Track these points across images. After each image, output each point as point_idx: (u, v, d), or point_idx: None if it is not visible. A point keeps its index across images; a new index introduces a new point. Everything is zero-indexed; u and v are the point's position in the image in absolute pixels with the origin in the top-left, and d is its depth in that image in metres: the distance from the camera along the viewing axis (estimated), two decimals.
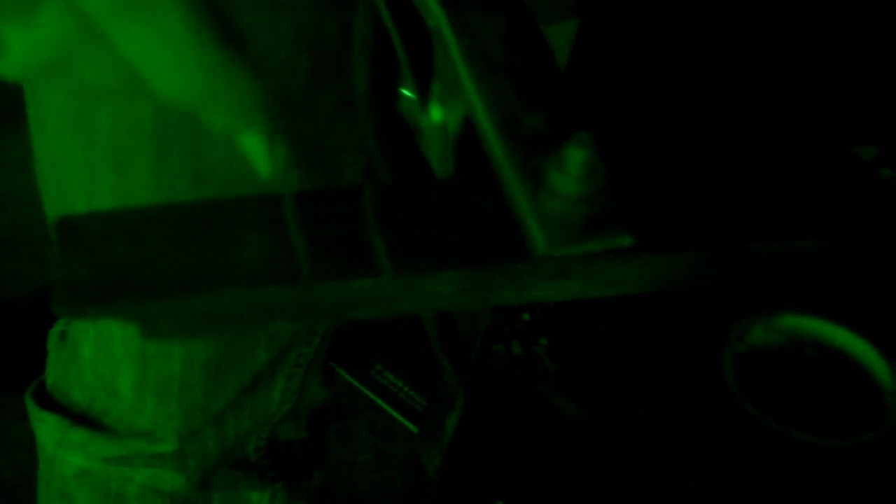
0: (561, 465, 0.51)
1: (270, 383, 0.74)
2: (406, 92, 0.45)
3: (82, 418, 0.76)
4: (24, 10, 0.30)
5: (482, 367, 0.54)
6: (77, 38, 0.31)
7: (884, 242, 0.37)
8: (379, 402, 1.33)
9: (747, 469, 0.51)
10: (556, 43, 0.45)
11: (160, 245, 0.34)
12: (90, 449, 0.75)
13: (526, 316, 0.57)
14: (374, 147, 0.47)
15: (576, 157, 0.33)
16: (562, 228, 0.34)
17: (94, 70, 0.33)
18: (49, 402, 0.78)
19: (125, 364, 0.71)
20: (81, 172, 0.62)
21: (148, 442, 0.74)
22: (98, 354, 0.73)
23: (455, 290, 0.35)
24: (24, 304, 1.14)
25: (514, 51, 0.39)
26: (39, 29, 0.30)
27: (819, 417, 0.53)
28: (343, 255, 0.34)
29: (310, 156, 0.61)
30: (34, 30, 0.30)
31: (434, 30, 0.41)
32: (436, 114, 0.43)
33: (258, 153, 0.34)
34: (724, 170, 0.39)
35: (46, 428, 0.77)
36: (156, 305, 0.33)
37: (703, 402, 0.53)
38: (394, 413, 1.31)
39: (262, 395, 0.74)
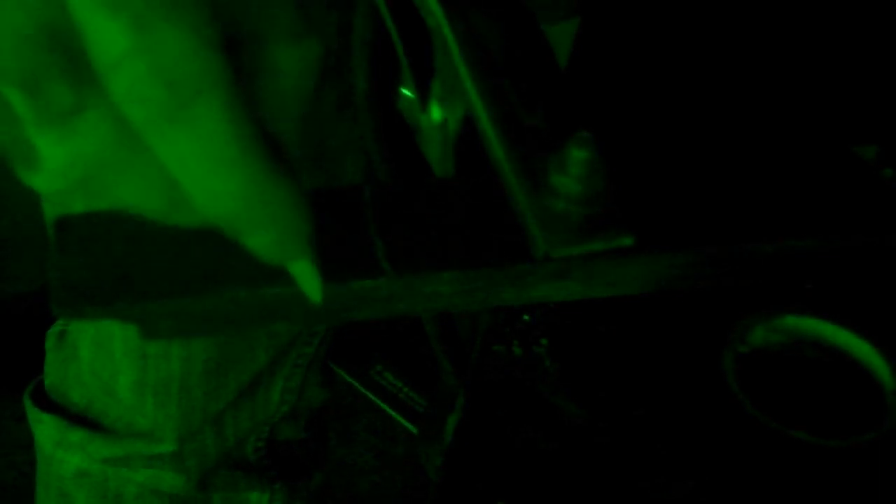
0: (561, 465, 0.51)
1: (270, 384, 0.74)
2: (406, 92, 0.45)
3: (81, 419, 0.76)
4: (61, 117, 0.28)
5: (482, 367, 0.54)
6: (117, 151, 0.29)
7: (884, 242, 0.37)
8: (379, 402, 1.33)
9: (747, 469, 0.51)
10: (556, 43, 0.45)
11: (159, 246, 0.34)
12: (89, 449, 0.75)
13: (526, 317, 0.56)
14: (373, 147, 0.47)
15: (576, 157, 0.33)
16: (562, 229, 0.34)
17: (132, 188, 0.31)
18: (47, 403, 0.78)
19: (124, 364, 0.71)
20: None
21: (147, 442, 0.74)
22: (97, 355, 0.73)
23: (455, 291, 0.35)
24: (24, 304, 1.14)
25: (514, 51, 0.39)
26: (77, 138, 0.29)
27: (819, 417, 0.53)
28: (343, 255, 0.34)
29: (310, 156, 0.61)
30: (72, 139, 0.29)
31: (434, 30, 0.41)
32: (436, 114, 0.43)
33: (310, 281, 0.32)
34: (725, 170, 0.39)
35: (45, 428, 0.77)
36: (155, 307, 0.32)
37: (704, 402, 0.53)
38: (394, 414, 1.31)
39: (261, 396, 0.74)
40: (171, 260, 0.33)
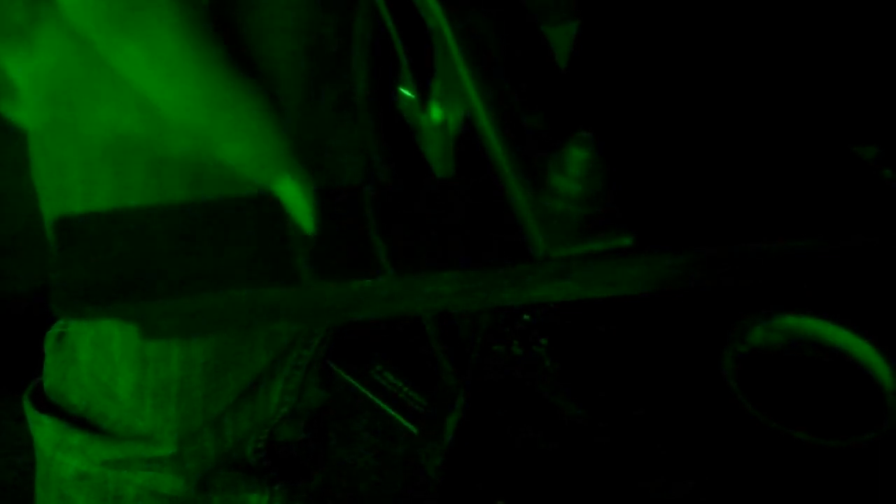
0: (561, 465, 0.51)
1: (269, 385, 0.74)
2: (406, 92, 0.45)
3: (80, 421, 0.76)
4: (20, 33, 0.29)
5: (482, 367, 0.54)
6: (78, 66, 0.30)
7: (884, 242, 0.37)
8: (379, 402, 1.33)
9: (747, 469, 0.51)
10: (556, 44, 0.45)
11: (159, 245, 0.34)
12: (88, 452, 0.75)
13: (526, 316, 0.57)
14: (374, 147, 0.47)
15: (576, 157, 0.33)
16: (562, 229, 0.34)
17: (107, 108, 0.31)
18: (47, 405, 0.78)
19: (124, 367, 0.71)
20: (80, 174, 0.62)
21: (146, 445, 0.74)
22: (96, 357, 0.73)
23: (455, 291, 0.35)
24: (24, 304, 1.14)
25: (514, 51, 0.39)
26: (38, 53, 0.30)
27: (819, 417, 0.53)
28: (343, 255, 0.34)
29: (310, 156, 0.61)
30: (33, 55, 0.30)
31: (434, 30, 0.41)
32: (436, 114, 0.43)
33: (298, 203, 0.33)
34: (725, 170, 0.39)
35: (44, 430, 0.77)
36: (155, 306, 0.32)
37: (703, 402, 0.53)
38: (394, 413, 1.31)
39: (260, 397, 0.74)
40: (171, 260, 0.33)
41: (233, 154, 0.31)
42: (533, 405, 0.53)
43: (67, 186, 0.63)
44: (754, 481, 0.51)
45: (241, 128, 0.31)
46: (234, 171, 0.32)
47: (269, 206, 0.35)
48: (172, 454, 0.74)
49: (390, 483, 1.26)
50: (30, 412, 0.78)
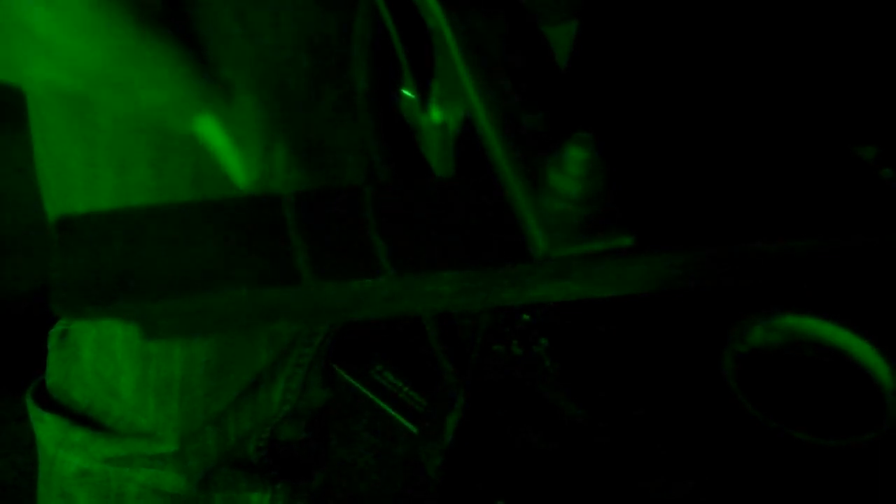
0: (561, 465, 0.51)
1: (271, 384, 0.74)
2: (406, 92, 0.45)
3: (83, 418, 0.76)
4: None
5: (482, 367, 0.54)
6: (11, 28, 0.31)
7: (884, 242, 0.37)
8: (379, 402, 1.33)
9: (747, 469, 0.51)
10: (556, 44, 0.45)
11: (160, 245, 0.34)
12: (91, 449, 0.75)
13: (526, 316, 0.57)
14: (374, 147, 0.47)
15: (576, 157, 0.33)
16: (562, 229, 0.34)
17: (42, 65, 0.33)
18: (49, 403, 0.78)
19: (126, 365, 0.71)
20: (82, 173, 0.62)
21: (149, 442, 0.74)
22: (99, 355, 0.73)
23: (455, 291, 0.35)
24: (24, 304, 1.14)
25: (514, 51, 0.39)
26: None
27: (819, 417, 0.53)
28: (343, 255, 0.34)
29: (310, 156, 0.61)
30: None
31: (434, 30, 0.41)
32: (436, 114, 0.43)
33: (221, 144, 0.33)
34: (725, 170, 0.39)
35: (47, 428, 0.77)
36: (155, 306, 0.33)
37: (703, 402, 0.54)
38: (394, 413, 1.31)
39: (262, 396, 0.74)
40: (172, 260, 0.33)
41: (151, 102, 0.33)
42: (533, 405, 0.53)
43: (70, 185, 0.64)
44: (754, 481, 0.51)
45: (155, 76, 0.32)
46: (158, 120, 0.33)
47: (269, 206, 0.35)
48: (175, 452, 0.74)
49: (390, 483, 1.26)
50: (32, 410, 0.78)
